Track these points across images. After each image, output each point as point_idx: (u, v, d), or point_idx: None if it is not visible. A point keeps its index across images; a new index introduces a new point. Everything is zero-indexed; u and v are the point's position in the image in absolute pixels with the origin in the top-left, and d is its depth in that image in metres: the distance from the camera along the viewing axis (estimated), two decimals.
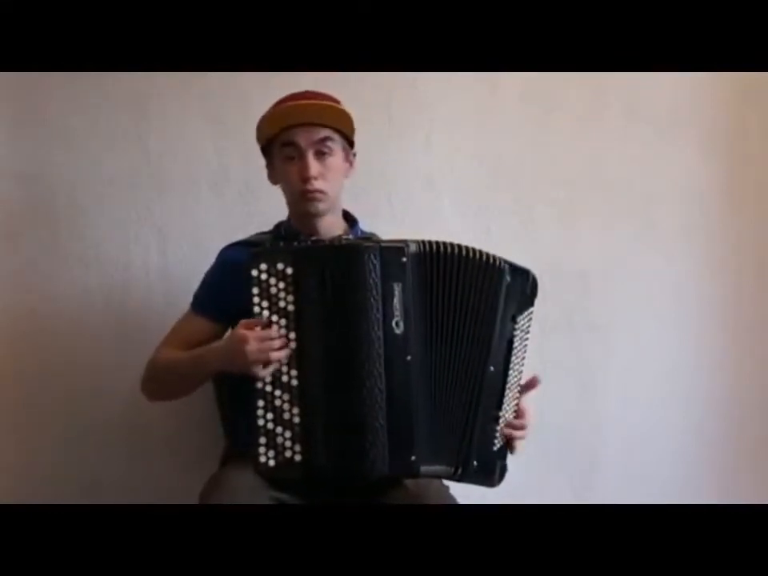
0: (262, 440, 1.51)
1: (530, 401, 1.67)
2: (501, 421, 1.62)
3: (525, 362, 1.66)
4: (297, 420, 1.51)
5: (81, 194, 2.06)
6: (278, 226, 1.80)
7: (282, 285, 1.52)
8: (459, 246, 1.58)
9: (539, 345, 1.71)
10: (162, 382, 1.72)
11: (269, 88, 2.00)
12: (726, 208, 2.31)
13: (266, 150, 1.76)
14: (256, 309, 1.52)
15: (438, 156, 2.17)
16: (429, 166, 2.17)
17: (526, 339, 1.66)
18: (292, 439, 1.51)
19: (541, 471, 2.18)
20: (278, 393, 1.52)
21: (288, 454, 1.51)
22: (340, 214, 1.79)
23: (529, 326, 1.66)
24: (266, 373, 1.51)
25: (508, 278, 1.61)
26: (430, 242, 1.57)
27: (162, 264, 2.08)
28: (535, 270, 1.65)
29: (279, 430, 1.51)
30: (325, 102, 1.71)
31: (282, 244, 1.65)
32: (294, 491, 1.56)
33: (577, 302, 2.23)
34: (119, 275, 2.07)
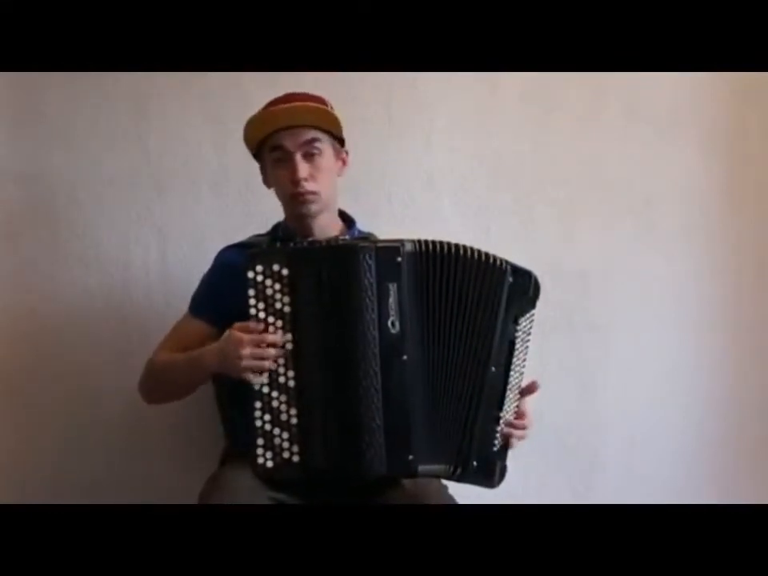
0: (260, 441, 1.51)
1: (529, 403, 1.68)
2: (501, 421, 1.62)
3: (526, 363, 1.66)
4: (294, 421, 1.51)
5: (81, 194, 2.06)
6: (276, 227, 1.80)
7: (278, 286, 1.52)
8: (456, 246, 1.58)
9: (539, 345, 1.71)
10: (159, 383, 1.72)
11: (269, 88, 2.00)
12: (726, 208, 2.30)
13: (257, 155, 1.76)
14: (252, 310, 1.52)
15: (438, 156, 2.17)
16: (429, 165, 2.17)
17: (528, 341, 1.66)
18: (290, 440, 1.51)
19: (540, 471, 2.18)
20: (275, 394, 1.52)
21: (286, 454, 1.51)
22: (336, 213, 1.79)
23: (530, 328, 1.66)
24: (258, 380, 1.51)
25: (510, 279, 1.61)
26: (426, 242, 1.56)
27: (161, 264, 2.08)
28: (535, 270, 1.65)
29: (277, 431, 1.51)
30: (308, 104, 1.70)
31: (277, 245, 1.65)
32: (293, 491, 1.56)
33: (577, 302, 2.22)
34: (119, 275, 2.07)
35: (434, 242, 1.57)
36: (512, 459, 1.65)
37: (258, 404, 1.51)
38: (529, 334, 1.66)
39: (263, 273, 1.53)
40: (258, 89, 2.05)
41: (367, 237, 1.77)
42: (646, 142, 2.25)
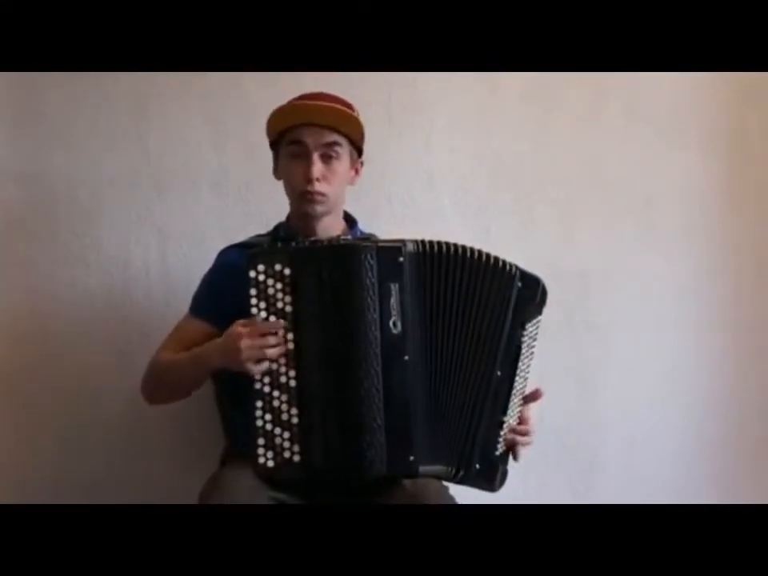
0: (261, 441, 1.51)
1: (532, 410, 1.67)
2: (505, 426, 1.62)
3: (530, 369, 1.65)
4: (295, 420, 1.51)
5: (81, 194, 2.06)
6: (277, 227, 1.80)
7: (279, 285, 1.52)
8: (464, 248, 1.58)
9: (539, 344, 1.71)
10: (162, 383, 1.72)
11: (269, 88, 2.01)
12: (726, 208, 2.30)
13: (275, 144, 1.75)
14: (254, 310, 1.52)
15: (438, 156, 2.17)
16: (429, 165, 2.17)
17: (533, 347, 1.65)
18: (290, 440, 1.51)
19: (540, 471, 2.18)
20: (276, 393, 1.52)
21: (287, 454, 1.51)
22: (341, 216, 1.79)
23: (536, 334, 1.65)
24: (258, 369, 1.51)
25: (519, 284, 1.61)
26: (428, 242, 1.57)
27: (161, 264, 2.08)
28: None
29: (278, 430, 1.51)
30: (338, 107, 1.70)
31: (279, 245, 1.65)
32: (293, 491, 1.56)
33: (577, 302, 2.22)
34: (119, 275, 2.07)
35: (438, 243, 1.57)
36: (512, 460, 1.65)
37: (259, 403, 1.51)
38: (534, 339, 1.65)
39: (265, 272, 1.53)
40: (258, 89, 2.06)
41: (368, 237, 1.77)
42: (646, 141, 2.25)
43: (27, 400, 2.05)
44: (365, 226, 1.83)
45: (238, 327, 1.52)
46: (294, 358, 1.52)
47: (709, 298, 2.31)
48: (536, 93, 2.20)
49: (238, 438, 1.71)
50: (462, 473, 1.57)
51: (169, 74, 2.02)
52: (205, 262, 1.80)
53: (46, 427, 2.05)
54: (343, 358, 1.52)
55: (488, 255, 1.59)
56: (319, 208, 1.70)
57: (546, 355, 2.08)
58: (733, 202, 2.31)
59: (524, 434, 1.64)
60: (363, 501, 1.57)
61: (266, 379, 1.52)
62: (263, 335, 1.51)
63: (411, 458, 1.53)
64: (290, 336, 1.52)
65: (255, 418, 1.51)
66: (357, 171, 1.78)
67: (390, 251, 1.54)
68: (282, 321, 1.52)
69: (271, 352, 1.51)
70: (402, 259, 1.54)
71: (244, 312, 1.53)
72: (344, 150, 1.71)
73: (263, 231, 1.82)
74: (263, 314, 1.52)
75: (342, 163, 1.71)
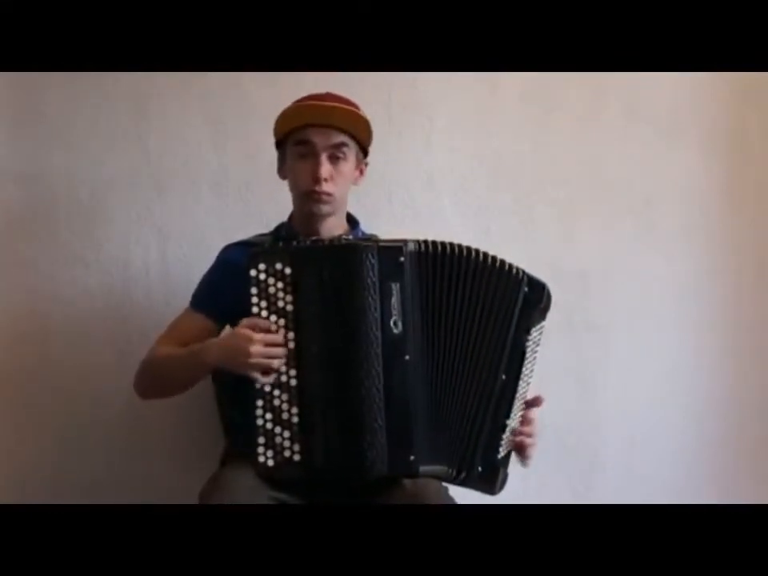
0: (261, 440, 1.51)
1: (533, 413, 1.67)
2: (507, 429, 1.61)
3: (533, 374, 1.65)
4: (295, 420, 1.51)
5: (81, 194, 2.06)
6: (279, 227, 1.80)
7: (280, 285, 1.53)
8: (468, 249, 1.58)
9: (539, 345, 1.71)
10: (157, 377, 1.71)
11: (269, 88, 2.01)
12: (726, 208, 2.30)
13: (281, 144, 1.75)
14: (255, 309, 1.52)
15: (438, 156, 2.17)
16: (429, 165, 2.17)
17: (536, 351, 1.65)
18: (291, 439, 1.51)
19: (540, 471, 2.17)
20: (276, 393, 1.52)
21: (287, 453, 1.51)
22: (344, 217, 1.79)
23: (540, 339, 1.65)
24: (266, 380, 1.51)
25: (526, 289, 1.60)
26: (430, 242, 1.57)
27: (161, 264, 2.08)
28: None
29: (278, 429, 1.51)
30: (347, 107, 1.70)
31: (280, 244, 1.65)
32: (293, 491, 1.56)
33: (577, 302, 2.22)
34: (119, 275, 2.07)
35: (441, 243, 1.57)
36: (513, 460, 1.65)
37: (260, 403, 1.51)
38: (538, 344, 1.65)
39: (266, 271, 1.53)
40: (258, 89, 2.06)
41: (370, 238, 1.76)
42: (646, 141, 2.26)
43: (27, 400, 2.05)
44: (365, 226, 1.83)
45: (246, 330, 1.52)
46: (295, 358, 1.52)
47: (709, 298, 2.31)
48: (536, 93, 2.20)
49: (238, 438, 1.71)
50: (463, 474, 1.57)
51: (169, 73, 2.03)
52: (205, 262, 1.80)
53: (45, 427, 2.05)
54: (344, 358, 1.52)
55: (494, 258, 1.59)
56: (325, 208, 1.70)
57: (546, 355, 2.08)
58: (733, 201, 2.31)
59: (529, 435, 1.64)
60: (363, 501, 1.57)
61: (272, 379, 1.52)
62: (274, 345, 1.51)
63: (411, 457, 1.52)
64: (291, 335, 1.52)
65: (256, 417, 1.51)
66: (361, 172, 1.79)
67: (391, 251, 1.54)
68: (284, 330, 1.52)
69: (277, 363, 1.51)
70: (402, 259, 1.54)
71: (244, 310, 1.53)
72: (351, 151, 1.71)
73: (262, 231, 1.81)
74: (264, 313, 1.52)
75: (349, 164, 1.72)
